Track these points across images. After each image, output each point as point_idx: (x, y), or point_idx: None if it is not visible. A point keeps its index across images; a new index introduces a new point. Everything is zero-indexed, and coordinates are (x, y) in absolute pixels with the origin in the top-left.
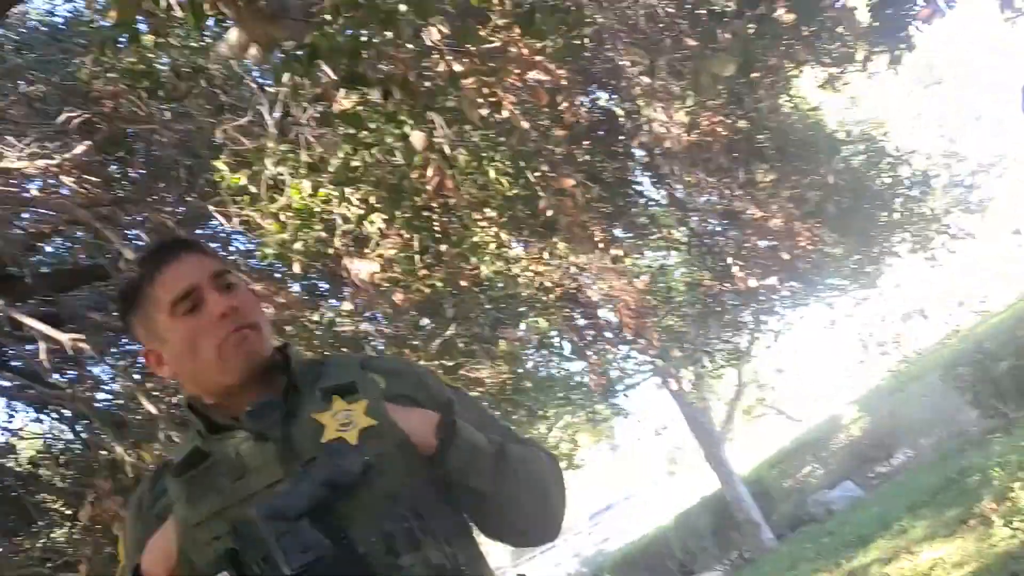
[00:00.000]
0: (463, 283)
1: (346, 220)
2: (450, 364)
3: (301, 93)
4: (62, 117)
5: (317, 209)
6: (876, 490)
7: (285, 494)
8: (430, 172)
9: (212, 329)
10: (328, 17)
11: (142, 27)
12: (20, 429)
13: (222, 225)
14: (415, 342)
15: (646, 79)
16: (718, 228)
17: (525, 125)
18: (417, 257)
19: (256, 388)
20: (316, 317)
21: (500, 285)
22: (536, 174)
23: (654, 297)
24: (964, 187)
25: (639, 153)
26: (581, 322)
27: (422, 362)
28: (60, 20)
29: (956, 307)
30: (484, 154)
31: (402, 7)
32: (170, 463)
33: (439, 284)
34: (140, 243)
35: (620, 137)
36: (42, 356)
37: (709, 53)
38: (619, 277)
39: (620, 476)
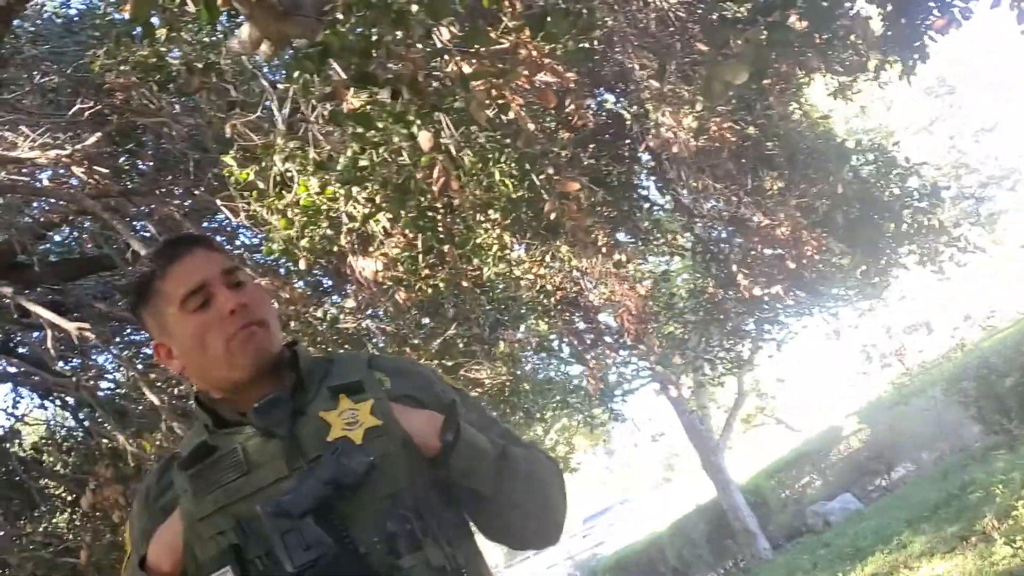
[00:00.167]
0: (465, 284)
1: (352, 218)
2: (449, 364)
3: (311, 91)
4: (74, 108)
5: (324, 206)
6: (875, 503)
7: (290, 492)
8: (436, 172)
9: (221, 325)
10: (340, 16)
11: (155, 21)
12: (24, 415)
13: (229, 219)
14: (416, 341)
15: (655, 83)
16: (723, 235)
17: (531, 127)
18: (420, 257)
19: (264, 385)
20: (319, 313)
21: (501, 287)
22: (541, 177)
23: (656, 303)
24: (974, 199)
25: (645, 157)
26: (581, 326)
27: (422, 361)
28: (75, 12)
29: (962, 321)
30: (490, 156)
31: (414, 7)
32: (177, 456)
33: (441, 284)
34: (147, 235)
35: (627, 141)
36: (48, 343)
37: (721, 60)
38: (621, 282)
39: (616, 481)
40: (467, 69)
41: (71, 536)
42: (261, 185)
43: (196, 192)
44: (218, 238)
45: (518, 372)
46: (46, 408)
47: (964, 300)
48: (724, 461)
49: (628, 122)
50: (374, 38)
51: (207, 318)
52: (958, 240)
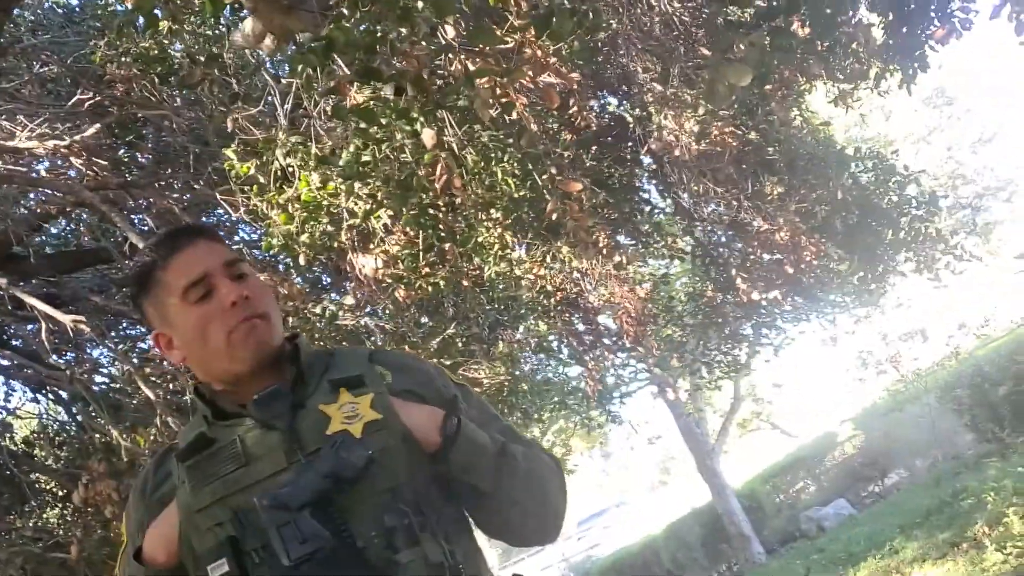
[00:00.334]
0: (465, 283)
1: (352, 214)
2: (448, 363)
3: (314, 86)
4: (74, 99)
5: (324, 202)
6: (869, 509)
7: (288, 484)
8: (438, 170)
9: (222, 317)
10: (345, 11)
11: (158, 12)
12: (17, 408)
13: (228, 214)
14: (414, 339)
15: (658, 86)
16: (723, 239)
17: (535, 128)
18: (421, 255)
19: (264, 377)
20: (318, 310)
21: (502, 287)
22: (543, 177)
23: (655, 305)
24: (970, 209)
25: (647, 160)
26: (580, 327)
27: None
28: (76, 2)
29: (956, 329)
30: (493, 155)
31: (419, 3)
32: (175, 447)
33: (441, 283)
34: (146, 228)
35: (629, 144)
36: (42, 336)
37: (725, 62)
38: (621, 284)
39: (612, 483)
40: (471, 67)
41: (62, 531)
42: (262, 180)
43: (196, 186)
44: (213, 227)
45: (517, 372)
46: (39, 402)
47: (959, 309)
48: (719, 465)
49: (631, 125)
50: (379, 34)
51: (209, 310)
52: (955, 248)
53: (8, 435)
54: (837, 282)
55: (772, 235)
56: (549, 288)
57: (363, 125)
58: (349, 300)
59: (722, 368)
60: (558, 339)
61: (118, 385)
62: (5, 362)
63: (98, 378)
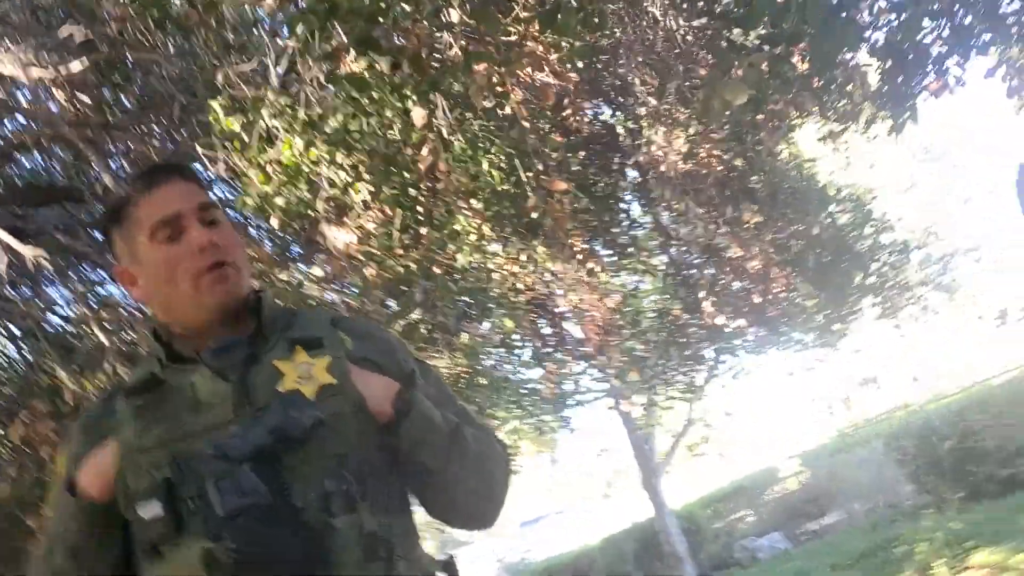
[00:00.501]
0: (437, 270)
1: (332, 184)
2: (410, 348)
3: (311, 50)
4: (64, 31)
5: (305, 168)
6: (803, 546)
7: (233, 436)
8: (424, 152)
9: (190, 260)
10: None
11: None
12: None
13: (206, 169)
14: (378, 319)
15: (653, 100)
16: (697, 261)
17: (526, 124)
18: (396, 234)
19: (225, 327)
20: (285, 276)
21: (473, 279)
22: (529, 174)
23: (622, 317)
24: (940, 265)
25: (632, 174)
26: (546, 330)
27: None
28: None
29: (911, 381)
30: (481, 145)
31: None
32: (124, 386)
33: (413, 266)
34: (122, 172)
35: (617, 154)
36: (1, 266)
37: (723, 79)
38: (591, 291)
39: (556, 490)
40: (471, 53)
41: None
42: (245, 138)
43: (177, 136)
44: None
45: (477, 366)
46: None
47: (915, 361)
48: (663, 484)
49: (621, 135)
50: (383, 4)
51: (176, 251)
52: (920, 300)
53: None
54: (802, 318)
55: (745, 263)
56: (520, 286)
57: (355, 94)
58: (318, 271)
59: (679, 388)
60: (522, 338)
61: (72, 328)
62: None
63: (53, 318)
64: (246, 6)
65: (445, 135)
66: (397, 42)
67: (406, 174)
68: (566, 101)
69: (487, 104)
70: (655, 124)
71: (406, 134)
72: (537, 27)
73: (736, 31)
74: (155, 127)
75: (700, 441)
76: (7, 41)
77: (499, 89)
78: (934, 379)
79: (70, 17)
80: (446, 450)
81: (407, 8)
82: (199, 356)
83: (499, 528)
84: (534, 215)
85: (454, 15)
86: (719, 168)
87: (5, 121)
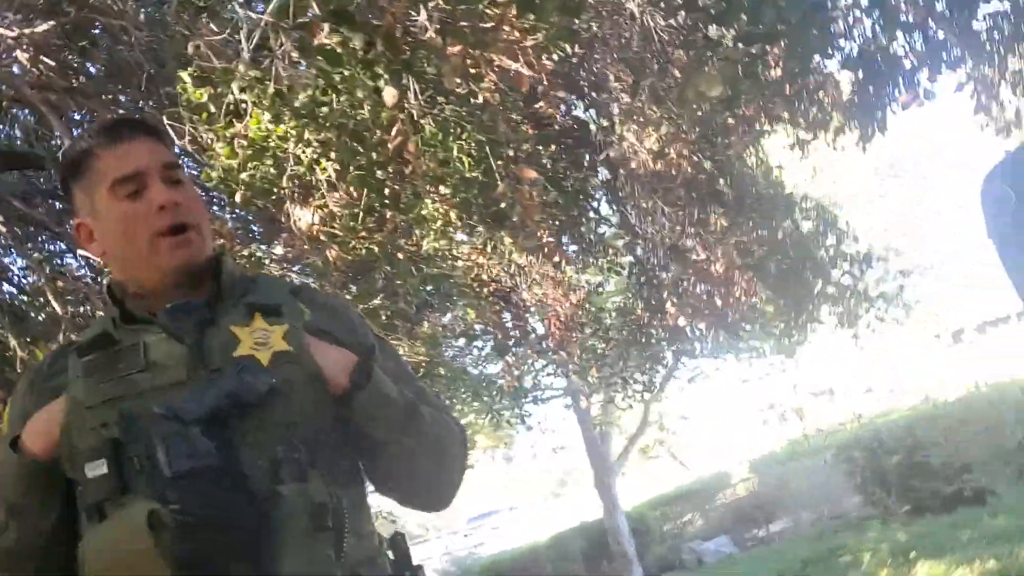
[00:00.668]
0: (400, 256)
1: (299, 161)
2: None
3: (285, 23)
4: None
5: (272, 143)
6: (749, 551)
7: (185, 398)
8: (394, 132)
9: (148, 218)
10: None
11: None
12: None
13: (174, 144)
14: None
15: (627, 97)
16: (661, 261)
17: (499, 113)
18: (361, 216)
19: (182, 289)
20: (245, 252)
21: (436, 269)
22: (499, 162)
23: (584, 314)
24: (900, 281)
25: (603, 171)
26: (509, 323)
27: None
28: None
29: (864, 392)
30: (452, 130)
31: None
32: (75, 343)
33: (376, 249)
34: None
35: (588, 150)
36: None
37: (698, 72)
38: (556, 286)
39: (509, 487)
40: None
41: None
42: (213, 109)
43: (144, 106)
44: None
45: (436, 358)
46: None
47: (870, 374)
48: (616, 484)
49: (593, 131)
50: None
51: (136, 208)
52: (879, 312)
53: None
54: (760, 323)
55: (708, 266)
56: (484, 277)
57: (326, 67)
58: (279, 250)
59: (636, 389)
60: (484, 329)
61: (26, 297)
62: None
63: (6, 286)
64: None
65: (416, 117)
66: (372, 19)
67: (374, 155)
68: (540, 90)
69: (460, 90)
70: (627, 121)
71: (376, 113)
72: (514, 13)
73: (713, 27)
74: (121, 96)
75: (654, 444)
76: None
77: (472, 71)
78: (887, 393)
79: None
80: (401, 425)
81: None
82: (154, 317)
83: (449, 522)
84: (503, 204)
85: None
86: (688, 169)
87: None
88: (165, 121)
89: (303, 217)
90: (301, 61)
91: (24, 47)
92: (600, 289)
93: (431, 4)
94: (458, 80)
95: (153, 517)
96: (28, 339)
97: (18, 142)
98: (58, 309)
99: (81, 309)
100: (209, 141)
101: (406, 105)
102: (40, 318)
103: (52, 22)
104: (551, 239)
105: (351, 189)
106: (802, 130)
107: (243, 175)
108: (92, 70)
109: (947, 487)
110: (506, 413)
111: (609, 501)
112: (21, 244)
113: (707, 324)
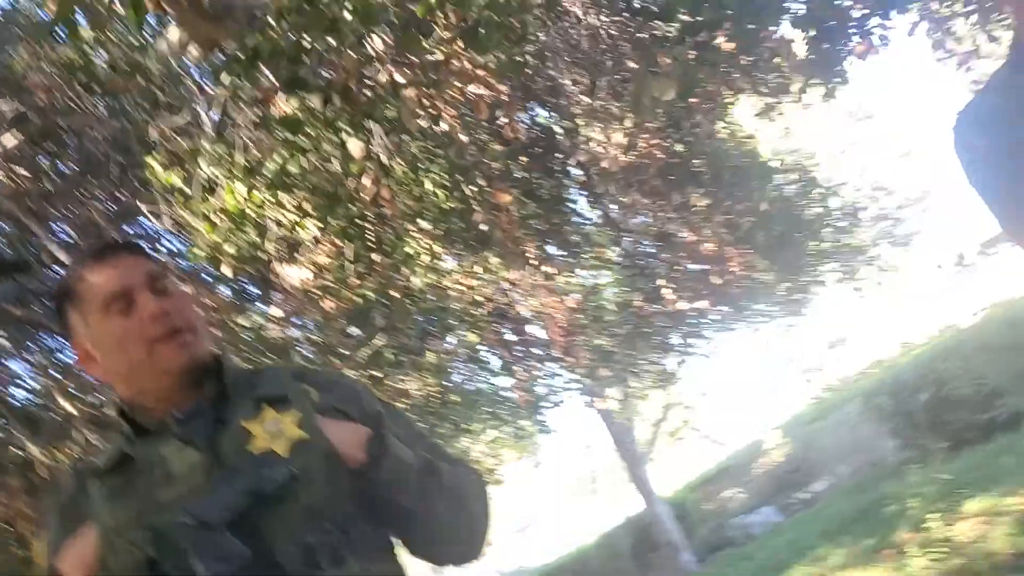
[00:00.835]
0: (394, 293)
1: (279, 225)
2: (378, 375)
3: (240, 96)
4: None
5: (251, 212)
6: (795, 516)
7: (207, 502)
8: (366, 181)
9: (142, 330)
10: (271, 20)
11: (81, 20)
12: None
13: (153, 224)
14: (343, 351)
15: (586, 99)
16: (651, 250)
17: (464, 139)
18: (349, 265)
19: (187, 394)
20: (244, 321)
21: (431, 298)
22: (472, 188)
23: (584, 315)
24: (891, 220)
25: (575, 172)
26: (510, 337)
27: (350, 371)
28: None
29: (879, 338)
30: (421, 165)
31: (347, 14)
32: (93, 465)
33: (370, 293)
34: (67, 238)
35: (557, 155)
36: None
37: (650, 76)
38: (550, 294)
39: (543, 493)
40: (399, 78)
41: None
42: (187, 190)
43: (119, 195)
44: (141, 243)
45: (447, 383)
46: None
47: (881, 317)
48: (649, 474)
49: (559, 136)
50: (305, 44)
51: (129, 322)
52: (875, 259)
53: None
54: (762, 292)
55: (698, 246)
56: (478, 298)
57: (289, 135)
58: (276, 311)
59: (651, 377)
60: (488, 349)
61: (36, 400)
62: None
63: (16, 392)
64: (171, 59)
65: (384, 161)
66: (325, 75)
67: (351, 205)
68: (499, 112)
69: (422, 124)
70: (591, 121)
71: (346, 166)
72: (461, 44)
73: (657, 21)
74: (95, 189)
75: (680, 425)
76: None
77: (431, 111)
78: (902, 333)
79: None
80: (422, 488)
81: (331, 42)
82: (166, 426)
83: (491, 540)
84: (483, 228)
85: (377, 42)
86: (660, 156)
87: None
88: (141, 207)
89: (294, 275)
90: (264, 131)
91: None
92: (595, 288)
93: (379, 50)
94: (419, 117)
95: None
96: (45, 441)
97: (3, 250)
98: (69, 408)
99: (91, 400)
100: (189, 220)
101: (372, 151)
102: (53, 418)
103: (19, 133)
104: (536, 250)
105: (335, 240)
106: (767, 96)
107: (228, 247)
108: (64, 169)
109: (980, 415)
110: (526, 424)
111: (646, 491)
112: (23, 347)
113: (708, 303)
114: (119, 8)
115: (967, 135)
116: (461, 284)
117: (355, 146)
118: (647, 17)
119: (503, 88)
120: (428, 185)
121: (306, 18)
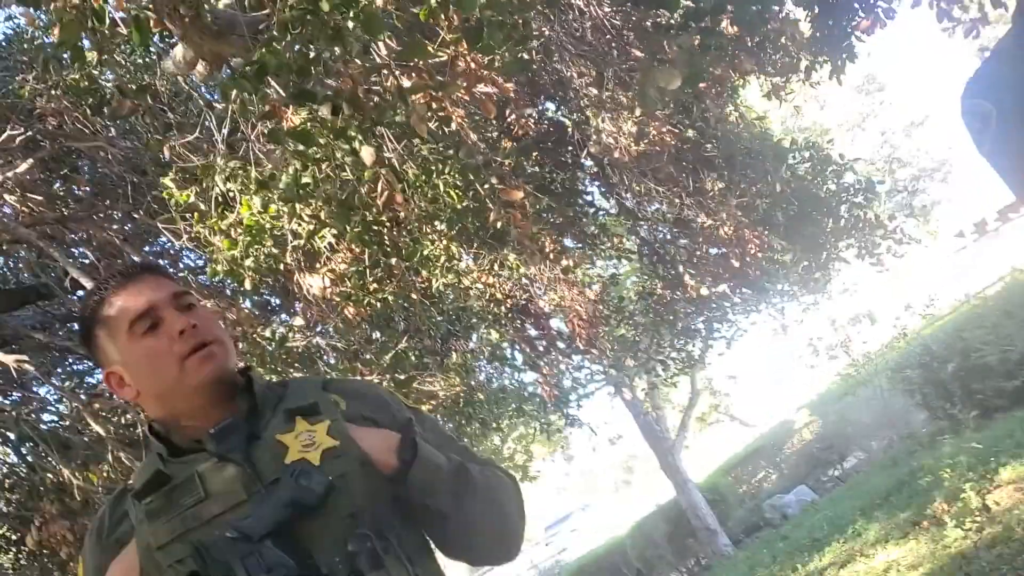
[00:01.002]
0: (414, 296)
1: (296, 236)
2: (402, 378)
3: (250, 110)
4: (4, 135)
5: (267, 225)
6: (829, 494)
7: (249, 515)
8: (380, 187)
9: (171, 346)
10: (276, 33)
11: (86, 44)
12: None
13: (171, 242)
14: (367, 356)
15: (594, 90)
16: (668, 237)
17: (474, 138)
18: (368, 271)
19: (219, 410)
20: (268, 333)
21: (451, 298)
22: (485, 187)
23: (606, 306)
24: (907, 192)
25: (588, 163)
26: (533, 333)
27: (374, 376)
28: (1, 37)
29: (903, 310)
30: (433, 168)
31: (350, 24)
32: (130, 488)
33: (390, 298)
34: (86, 261)
35: (569, 148)
36: None
37: (655, 65)
38: (570, 287)
39: (576, 486)
40: (406, 83)
41: None
42: (202, 206)
43: (136, 216)
44: (161, 261)
45: (472, 382)
46: None
47: (904, 289)
48: (681, 461)
49: (569, 129)
50: (311, 55)
51: (157, 341)
52: (894, 232)
53: None
54: (783, 272)
55: (716, 230)
56: (499, 296)
57: (301, 147)
58: (299, 321)
59: (677, 364)
60: (511, 346)
61: (67, 423)
62: None
63: (46, 416)
64: (179, 79)
65: (397, 166)
66: (332, 85)
67: (366, 212)
68: (508, 110)
69: (431, 126)
70: (600, 112)
71: (358, 173)
72: (465, 45)
73: (660, 10)
74: (111, 211)
75: (710, 410)
76: None
77: (440, 113)
78: (926, 304)
79: (7, 121)
80: (454, 490)
81: (336, 51)
82: (200, 444)
83: (526, 535)
84: (499, 226)
85: (382, 48)
86: (672, 143)
87: None
88: (159, 226)
89: (314, 284)
90: (276, 144)
91: (10, 189)
92: (615, 277)
93: (384, 55)
94: (429, 121)
95: None
96: (78, 464)
97: (24, 277)
98: (100, 430)
99: (122, 420)
100: (207, 236)
101: (384, 156)
102: (84, 441)
103: (31, 159)
104: (553, 244)
105: (353, 248)
106: (774, 77)
107: (247, 261)
108: (79, 192)
109: (1009, 383)
110: (553, 418)
111: (678, 478)
112: (49, 374)
113: (730, 287)
114: (123, 30)
115: (975, 103)
116: (480, 283)
117: (367, 153)
118: (650, 5)
119: (510, 85)
120: (441, 187)
121: (311, 29)
